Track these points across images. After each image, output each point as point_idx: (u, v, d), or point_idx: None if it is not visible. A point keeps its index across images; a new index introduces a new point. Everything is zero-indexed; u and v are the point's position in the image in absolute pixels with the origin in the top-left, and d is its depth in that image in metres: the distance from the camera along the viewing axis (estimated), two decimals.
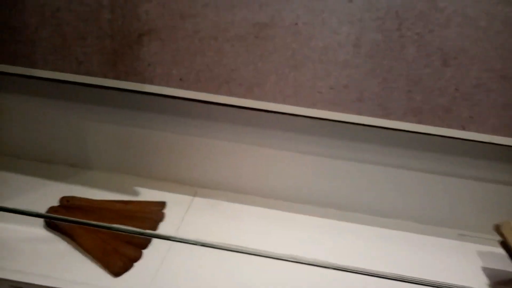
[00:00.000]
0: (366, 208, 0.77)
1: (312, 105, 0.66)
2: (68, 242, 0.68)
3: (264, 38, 0.62)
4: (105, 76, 0.69)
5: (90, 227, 0.69)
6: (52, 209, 0.72)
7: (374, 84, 0.63)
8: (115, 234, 0.68)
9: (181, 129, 0.77)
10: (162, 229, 0.73)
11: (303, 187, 0.78)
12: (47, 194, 0.78)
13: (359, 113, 0.65)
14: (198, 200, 0.81)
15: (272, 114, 0.68)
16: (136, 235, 0.69)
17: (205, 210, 0.79)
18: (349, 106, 0.65)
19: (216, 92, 0.67)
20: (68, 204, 0.75)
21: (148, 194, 0.81)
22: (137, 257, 0.66)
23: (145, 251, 0.68)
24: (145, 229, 0.70)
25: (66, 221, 0.63)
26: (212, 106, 0.70)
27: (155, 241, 0.70)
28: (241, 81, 0.65)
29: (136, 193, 0.82)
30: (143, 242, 0.68)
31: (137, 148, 0.82)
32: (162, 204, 0.78)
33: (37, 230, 0.70)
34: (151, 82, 0.68)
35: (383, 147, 0.70)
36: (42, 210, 0.73)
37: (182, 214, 0.77)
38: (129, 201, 0.78)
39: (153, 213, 0.75)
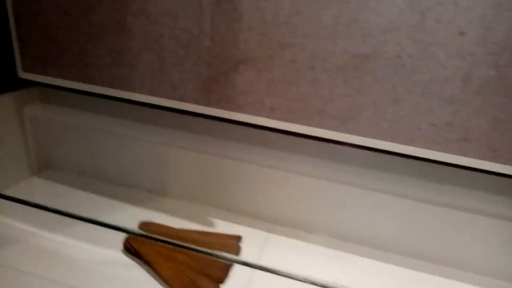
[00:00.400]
0: (465, 263, 0.70)
1: (410, 142, 0.62)
2: (145, 270, 0.67)
3: (364, 70, 0.60)
4: (196, 102, 0.69)
5: (168, 256, 0.67)
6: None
7: (482, 123, 0.58)
8: (193, 266, 0.66)
9: (263, 160, 0.75)
10: (238, 266, 0.69)
11: (392, 233, 0.72)
12: (126, 218, 0.79)
13: (463, 153, 0.60)
14: (273, 237, 0.78)
15: (365, 150, 0.65)
16: (214, 267, 0.66)
17: (281, 248, 0.75)
18: (452, 145, 0.60)
19: (307, 123, 0.65)
20: (147, 229, 0.74)
21: (221, 226, 0.79)
22: None
23: (222, 286, 0.64)
24: (222, 262, 0.68)
25: (154, 239, 0.62)
26: (300, 139, 0.68)
27: (232, 276, 0.66)
28: (334, 113, 0.63)
29: (210, 224, 0.80)
30: (220, 277, 0.65)
31: (215, 177, 0.81)
32: (238, 238, 0.75)
33: (115, 253, 0.70)
34: (241, 110, 0.68)
35: (491, 195, 0.64)
36: (122, 233, 0.73)
37: (259, 250, 0.74)
38: (205, 231, 0.76)
39: (229, 246, 0.72)
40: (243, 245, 0.74)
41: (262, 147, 0.74)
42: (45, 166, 0.92)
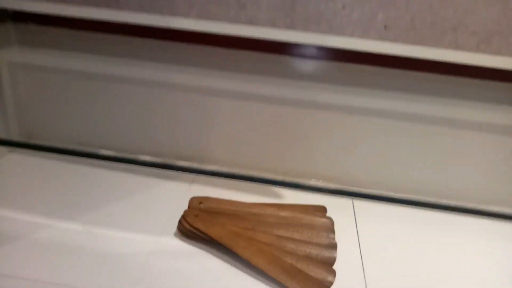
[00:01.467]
0: None
1: None
2: (218, 257, 0.48)
3: None
4: (273, 25, 0.50)
5: (249, 238, 0.49)
6: (190, 214, 0.51)
7: None
8: (286, 248, 0.48)
9: (344, 104, 0.58)
10: (342, 241, 0.52)
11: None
12: (167, 196, 0.58)
13: None
14: (359, 204, 0.61)
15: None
16: (316, 246, 0.49)
17: (373, 215, 0.59)
18: None
19: (435, 44, 0.48)
20: (204, 207, 0.54)
21: (290, 197, 0.61)
22: (331, 281, 0.45)
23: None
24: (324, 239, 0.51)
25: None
26: (414, 72, 0.51)
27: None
28: (475, 28, 0.47)
29: (275, 195, 0.62)
30: (330, 257, 0.48)
31: (273, 134, 0.63)
32: (323, 209, 0.58)
33: (168, 240, 0.50)
34: (340, 32, 0.49)
35: None
36: (173, 215, 0.53)
37: (352, 220, 0.57)
38: (280, 204, 0.58)
39: (318, 220, 0.55)
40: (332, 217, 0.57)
41: (352, 85, 0.56)
42: (29, 136, 0.68)
